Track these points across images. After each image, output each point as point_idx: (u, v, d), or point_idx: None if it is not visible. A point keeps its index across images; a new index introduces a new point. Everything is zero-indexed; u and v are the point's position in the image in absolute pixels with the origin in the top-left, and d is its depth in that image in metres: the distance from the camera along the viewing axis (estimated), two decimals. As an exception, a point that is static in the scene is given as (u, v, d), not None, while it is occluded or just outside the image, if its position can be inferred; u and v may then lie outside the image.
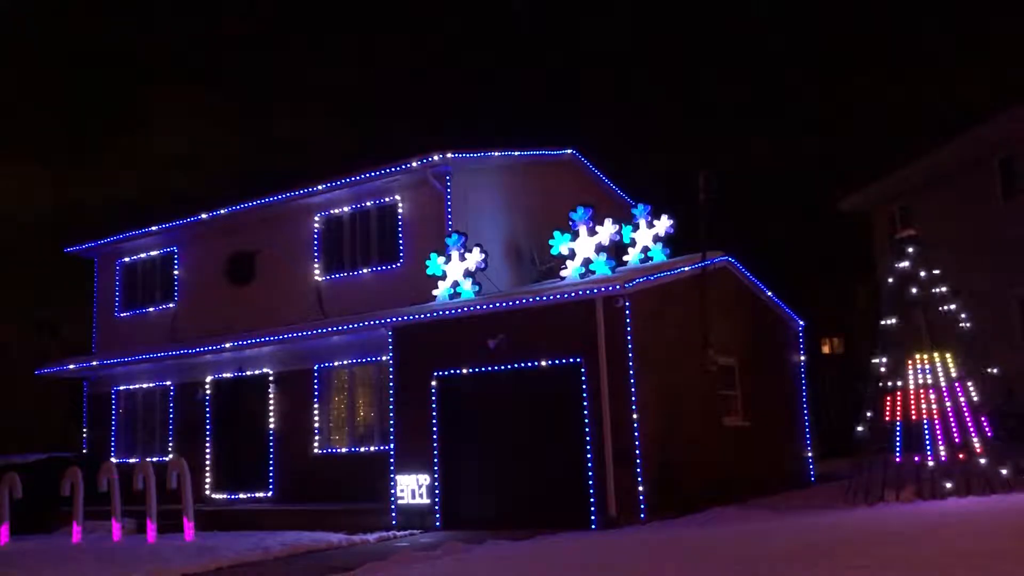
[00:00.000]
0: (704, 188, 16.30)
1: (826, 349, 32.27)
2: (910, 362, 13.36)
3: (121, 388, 20.91)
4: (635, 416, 13.31)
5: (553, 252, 15.91)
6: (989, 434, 12.78)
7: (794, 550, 9.11)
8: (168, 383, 19.94)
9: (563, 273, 15.58)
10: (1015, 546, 8.04)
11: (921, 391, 13.10)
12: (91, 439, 21.19)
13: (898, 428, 13.15)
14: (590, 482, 13.40)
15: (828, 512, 12.51)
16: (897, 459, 13.03)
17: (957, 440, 12.68)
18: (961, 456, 12.62)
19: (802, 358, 19.05)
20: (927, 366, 13.17)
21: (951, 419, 12.80)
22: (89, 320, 22.33)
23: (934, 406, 12.91)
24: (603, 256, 15.28)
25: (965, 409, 12.84)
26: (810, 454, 18.59)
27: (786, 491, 16.12)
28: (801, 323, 19.23)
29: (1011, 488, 12.07)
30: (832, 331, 31.74)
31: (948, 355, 13.19)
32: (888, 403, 13.35)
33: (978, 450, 12.58)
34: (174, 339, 20.00)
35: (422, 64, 69.82)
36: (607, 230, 15.44)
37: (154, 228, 20.71)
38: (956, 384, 12.99)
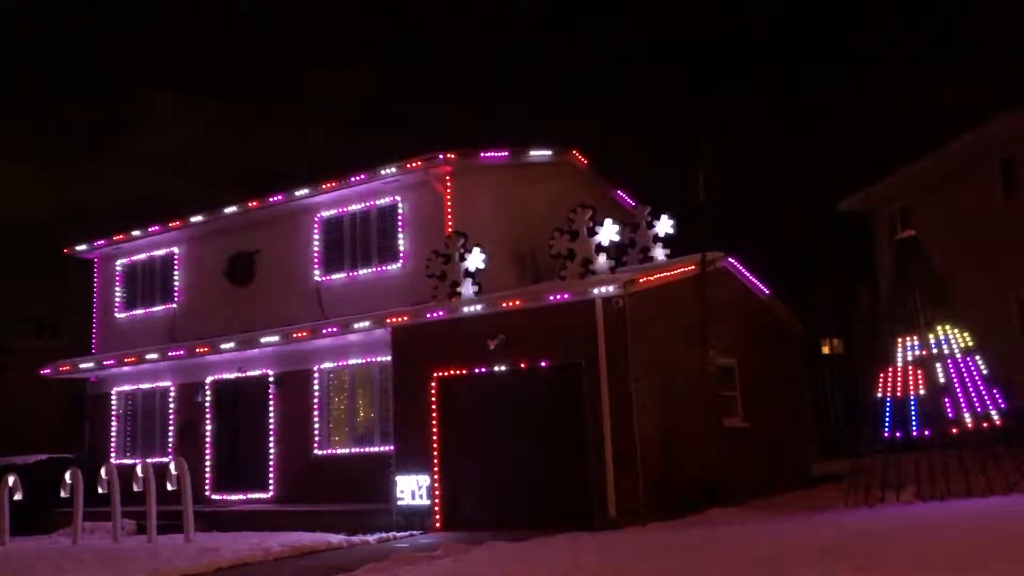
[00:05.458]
0: (703, 188, 16.30)
1: (826, 350, 32.21)
2: (900, 340, 13.31)
3: (121, 389, 20.91)
4: (635, 417, 13.30)
5: (553, 253, 15.90)
6: (1003, 405, 12.73)
7: (794, 551, 9.11)
8: (168, 384, 19.95)
9: (563, 274, 15.58)
10: (1016, 547, 8.03)
11: (911, 368, 13.03)
12: (91, 440, 21.19)
13: (888, 403, 13.11)
14: (590, 483, 13.39)
15: (828, 513, 12.50)
16: (885, 434, 13.00)
17: (979, 410, 12.58)
18: (985, 425, 12.55)
19: (802, 359, 19.04)
20: (937, 339, 13.05)
21: (969, 389, 12.69)
22: (89, 321, 22.34)
23: (940, 379, 12.83)
24: (603, 256, 15.28)
25: (979, 379, 12.78)
26: (810, 455, 18.58)
27: (786, 492, 16.12)
28: (801, 323, 19.21)
29: (1012, 490, 12.05)
30: (832, 332, 31.69)
31: (956, 329, 13.11)
32: (880, 379, 13.30)
33: (997, 421, 12.54)
34: (174, 340, 20.00)
35: (423, 65, 69.85)
36: (607, 230, 15.45)
37: (154, 229, 20.74)
38: (967, 357, 12.93)
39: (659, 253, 16.67)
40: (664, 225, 16.85)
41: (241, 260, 19.66)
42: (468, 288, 15.76)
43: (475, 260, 15.84)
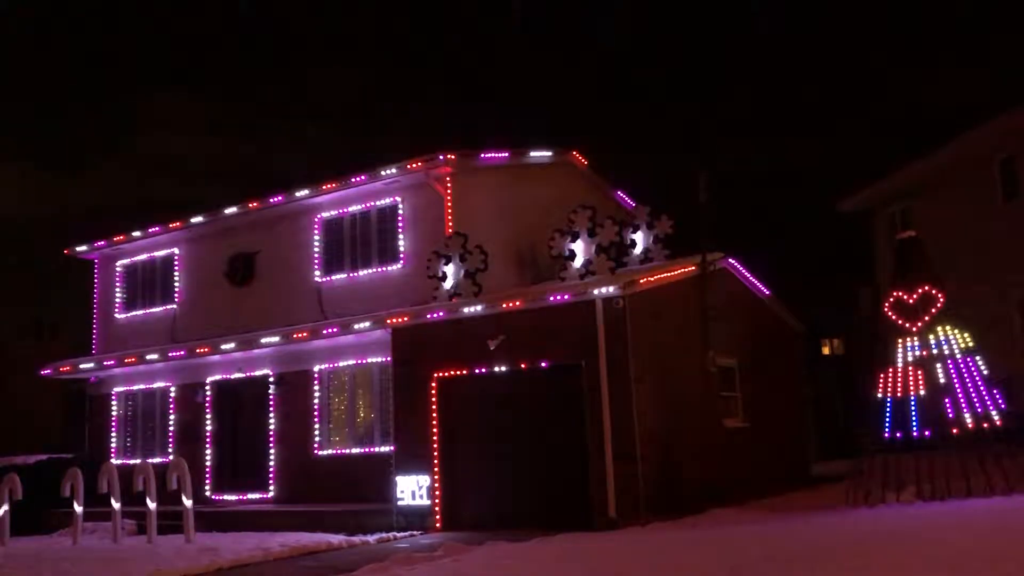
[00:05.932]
0: (704, 188, 16.30)
1: (826, 350, 32.24)
2: (900, 341, 13.33)
3: (121, 389, 20.91)
4: (635, 417, 13.30)
5: (553, 253, 15.91)
6: (1003, 405, 12.74)
7: (794, 551, 9.11)
8: (168, 384, 19.94)
9: (563, 274, 15.58)
10: (1016, 548, 8.03)
11: (911, 368, 13.06)
12: (91, 440, 21.17)
13: (888, 403, 13.13)
14: (590, 483, 13.39)
15: (829, 513, 12.50)
16: (885, 434, 13.03)
17: (979, 410, 12.59)
18: (985, 425, 12.57)
19: (802, 359, 19.04)
20: (937, 339, 13.06)
21: (970, 389, 12.70)
22: (89, 321, 22.34)
23: (940, 379, 12.84)
24: (603, 257, 15.27)
25: (979, 380, 12.79)
26: (810, 455, 18.58)
27: (786, 492, 16.12)
28: (801, 324, 19.21)
29: (1012, 490, 12.05)
30: (832, 332, 31.71)
31: (956, 330, 13.14)
32: (880, 380, 13.32)
33: (998, 421, 12.55)
34: (174, 340, 20.01)
35: (423, 65, 69.87)
36: (607, 231, 15.44)
37: (154, 229, 20.74)
38: (967, 357, 12.95)
39: (659, 253, 16.64)
40: (664, 225, 16.83)
41: (241, 260, 19.66)
42: (468, 288, 15.76)
43: (475, 260, 15.84)
